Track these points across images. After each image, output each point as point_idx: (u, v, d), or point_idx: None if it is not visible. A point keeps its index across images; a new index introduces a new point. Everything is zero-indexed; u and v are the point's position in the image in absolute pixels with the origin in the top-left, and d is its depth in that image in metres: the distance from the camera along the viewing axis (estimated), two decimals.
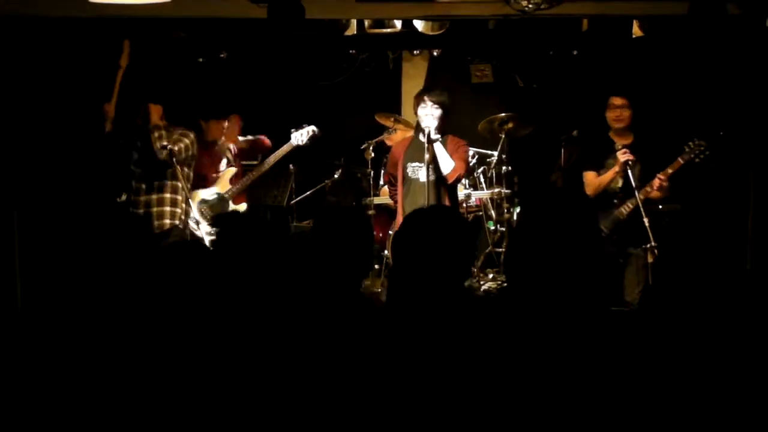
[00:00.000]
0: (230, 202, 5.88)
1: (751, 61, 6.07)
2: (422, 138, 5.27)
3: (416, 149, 5.39)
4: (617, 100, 5.35)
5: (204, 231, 5.46)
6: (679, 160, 5.13)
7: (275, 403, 2.01)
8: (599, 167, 5.41)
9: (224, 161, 6.02)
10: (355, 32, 6.42)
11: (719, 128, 6.56)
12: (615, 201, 5.31)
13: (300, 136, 5.98)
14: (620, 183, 5.32)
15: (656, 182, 5.13)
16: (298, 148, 6.04)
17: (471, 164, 6.62)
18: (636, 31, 6.17)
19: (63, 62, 6.17)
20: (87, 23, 5.85)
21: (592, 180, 5.44)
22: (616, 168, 5.23)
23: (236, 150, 6.15)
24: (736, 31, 5.64)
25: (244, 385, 2.04)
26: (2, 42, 5.66)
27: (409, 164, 5.41)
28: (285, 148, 6.00)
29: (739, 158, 6.16)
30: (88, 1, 4.90)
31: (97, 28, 5.99)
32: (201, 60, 7.51)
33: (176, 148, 5.27)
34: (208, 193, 5.86)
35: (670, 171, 5.13)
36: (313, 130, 6.01)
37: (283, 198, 6.65)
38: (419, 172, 5.35)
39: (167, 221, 5.36)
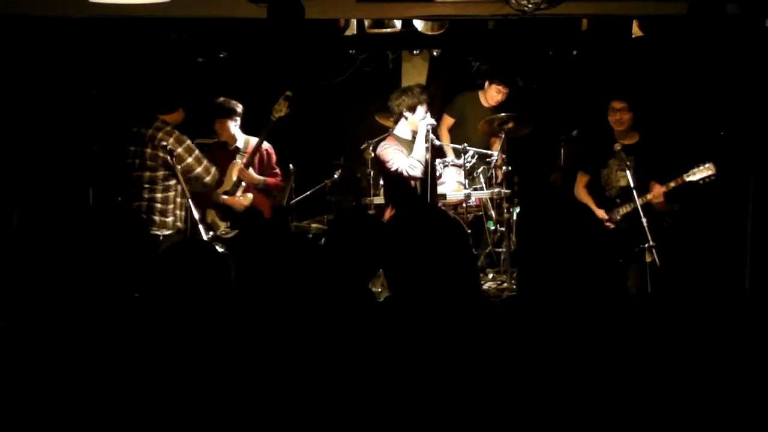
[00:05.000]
0: (237, 195, 5.84)
1: (750, 61, 6.06)
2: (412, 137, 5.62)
3: (408, 147, 5.65)
4: (617, 104, 5.36)
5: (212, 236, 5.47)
6: (684, 177, 5.15)
7: (279, 402, 2.01)
8: (597, 169, 5.44)
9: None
10: (355, 32, 6.42)
11: (719, 129, 6.56)
12: (618, 200, 5.34)
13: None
14: (622, 182, 5.33)
15: (657, 190, 5.17)
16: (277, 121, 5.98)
17: (471, 164, 6.63)
18: (636, 31, 6.17)
19: (63, 62, 6.17)
20: (87, 23, 5.84)
21: (581, 184, 5.51)
22: (608, 222, 5.32)
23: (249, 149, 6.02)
24: (735, 31, 5.65)
25: (249, 385, 2.04)
26: (2, 42, 5.66)
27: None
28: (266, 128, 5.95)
29: (739, 159, 6.16)
30: (88, 1, 4.90)
31: (97, 28, 5.99)
32: (200, 60, 7.50)
33: (179, 150, 5.24)
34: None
35: (672, 185, 5.17)
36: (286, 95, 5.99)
37: (283, 197, 6.64)
38: (416, 170, 5.58)
39: (155, 230, 5.24)
